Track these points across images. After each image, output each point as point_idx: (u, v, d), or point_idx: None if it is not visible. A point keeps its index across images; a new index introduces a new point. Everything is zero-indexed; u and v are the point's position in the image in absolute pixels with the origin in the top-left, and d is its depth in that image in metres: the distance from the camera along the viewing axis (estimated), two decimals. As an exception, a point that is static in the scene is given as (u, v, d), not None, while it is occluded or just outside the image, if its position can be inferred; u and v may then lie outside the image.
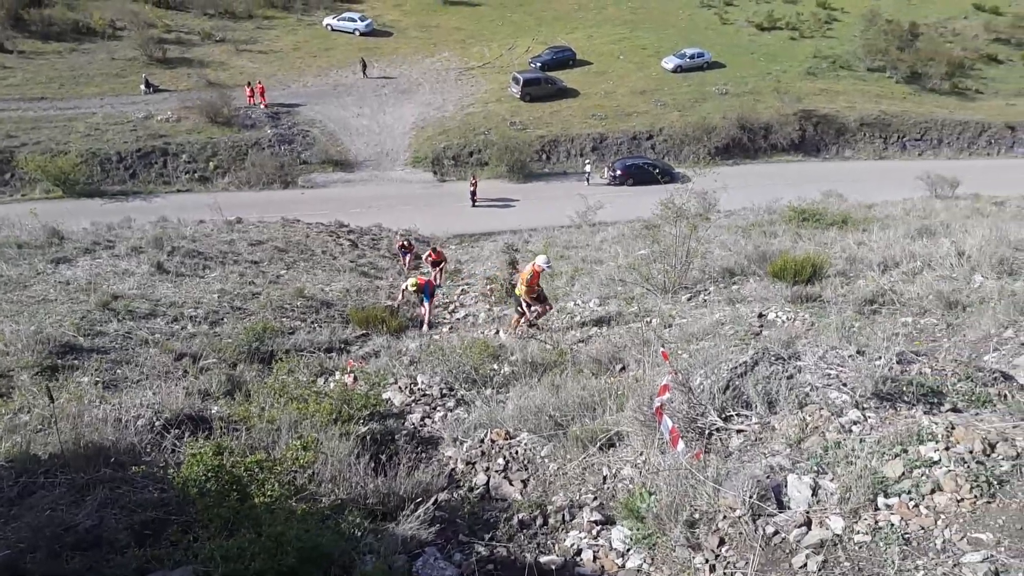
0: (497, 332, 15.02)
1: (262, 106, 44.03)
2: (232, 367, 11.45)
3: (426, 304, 16.26)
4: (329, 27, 55.99)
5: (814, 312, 10.66)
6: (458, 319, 18.01)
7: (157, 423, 7.18)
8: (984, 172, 40.61)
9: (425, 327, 15.47)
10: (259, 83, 44.73)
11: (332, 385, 9.43)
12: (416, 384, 9.48)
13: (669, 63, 52.25)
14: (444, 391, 9.35)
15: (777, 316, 11.01)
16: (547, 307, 13.68)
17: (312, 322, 14.91)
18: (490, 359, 10.91)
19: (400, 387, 9.45)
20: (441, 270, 22.08)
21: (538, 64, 51.71)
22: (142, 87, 44.28)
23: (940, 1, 67.04)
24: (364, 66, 49.87)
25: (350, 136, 43.68)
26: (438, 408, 8.79)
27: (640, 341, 10.92)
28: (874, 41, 55.16)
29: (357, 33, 55.30)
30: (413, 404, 8.88)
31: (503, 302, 18.85)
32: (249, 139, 41.45)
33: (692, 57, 52.42)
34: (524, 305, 13.24)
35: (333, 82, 48.96)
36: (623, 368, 9.81)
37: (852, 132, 48.29)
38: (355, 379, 9.53)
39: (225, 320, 14.38)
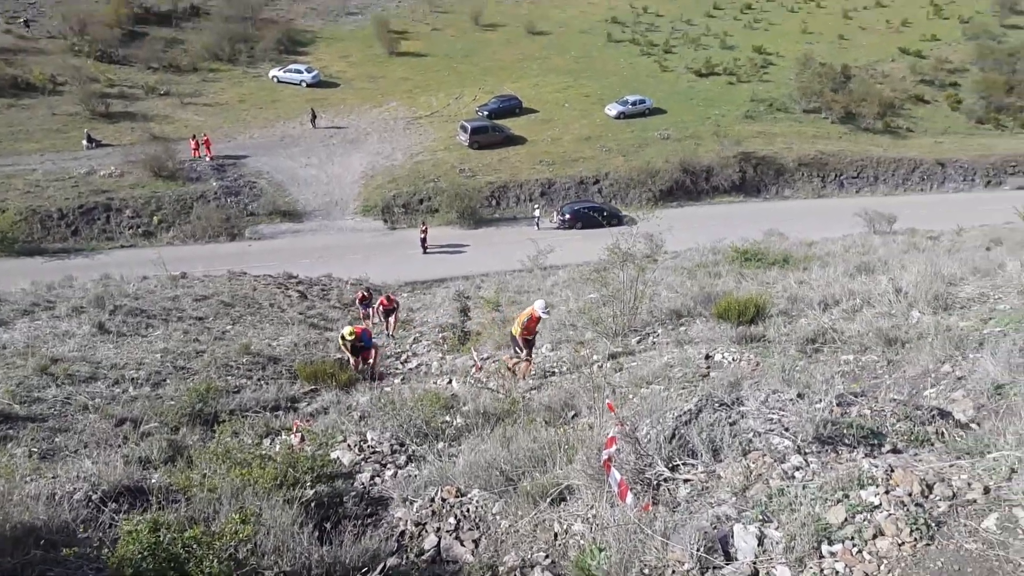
0: (450, 382, 14.91)
1: (207, 158, 43.65)
2: (174, 431, 11.14)
3: (372, 352, 16.01)
4: (275, 79, 56.05)
5: (759, 352, 10.84)
6: (410, 369, 17.84)
7: (94, 497, 6.89)
8: (919, 207, 42.29)
9: (375, 378, 15.20)
10: (204, 135, 44.40)
11: (278, 447, 9.19)
12: (366, 441, 9.30)
13: (612, 110, 53.48)
14: (395, 447, 9.19)
15: (723, 357, 11.16)
16: (530, 357, 13.29)
17: (258, 379, 14.63)
18: (442, 411, 10.80)
19: (349, 445, 9.26)
20: (395, 319, 21.87)
21: (485, 112, 52.46)
22: (84, 142, 43.59)
23: (868, 45, 70.32)
24: (313, 116, 49.95)
25: (298, 186, 43.49)
26: (388, 465, 8.62)
27: (591, 387, 10.97)
28: (808, 84, 57.31)
29: (304, 85, 55.46)
30: (363, 462, 8.70)
31: (456, 351, 18.79)
32: (194, 192, 40.98)
33: (634, 104, 53.75)
34: (522, 344, 12.93)
35: (280, 133, 48.87)
36: (575, 415, 9.80)
37: (791, 172, 49.85)
38: (302, 439, 9.31)
39: (168, 381, 14.05)
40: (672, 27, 71.28)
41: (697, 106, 55.94)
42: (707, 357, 11.34)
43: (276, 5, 68.06)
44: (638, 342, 14.04)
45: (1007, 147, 56.01)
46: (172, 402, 12.21)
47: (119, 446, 9.95)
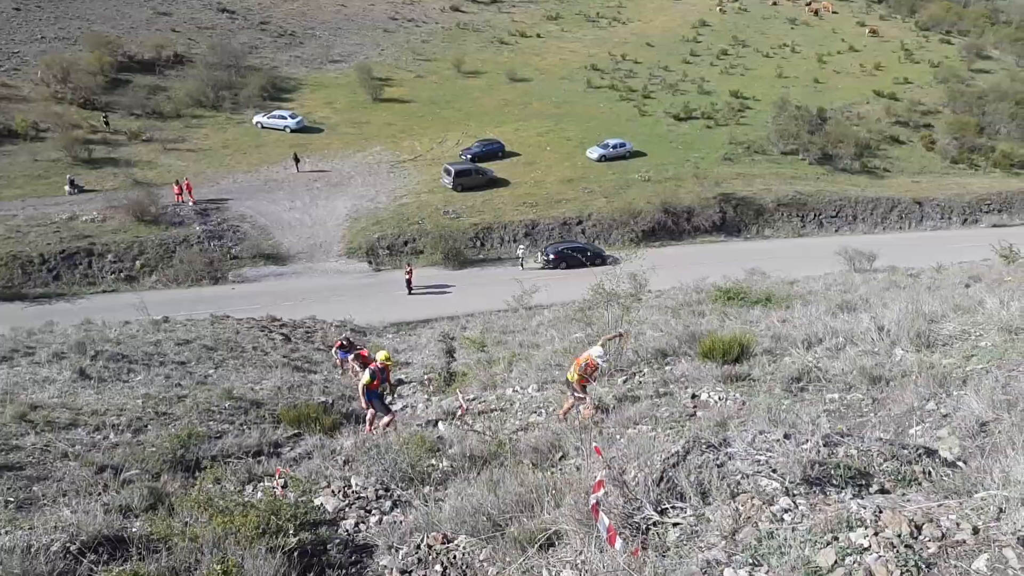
0: (436, 424, 14.77)
1: (190, 203, 43.61)
2: (155, 478, 10.92)
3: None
4: (259, 125, 56.37)
5: (744, 391, 10.85)
6: (396, 411, 17.68)
7: (72, 548, 6.71)
8: (898, 245, 42.90)
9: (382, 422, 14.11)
10: (186, 180, 44.42)
11: (260, 494, 9.04)
12: (350, 486, 9.17)
13: (594, 153, 54.18)
14: (380, 492, 9.07)
15: (709, 396, 11.17)
16: (589, 407, 12.21)
17: (241, 424, 14.41)
18: (428, 454, 10.69)
19: (333, 490, 9.12)
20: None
21: (469, 156, 52.98)
22: (67, 188, 43.45)
23: (843, 88, 72.03)
24: (297, 160, 50.16)
25: (282, 230, 43.48)
26: (373, 511, 8.49)
27: (579, 427, 10.91)
28: (785, 126, 58.44)
29: (288, 130, 55.77)
30: (347, 508, 8.56)
31: (442, 392, 18.66)
32: (177, 236, 40.87)
33: (615, 147, 54.49)
34: (578, 390, 12.15)
35: (264, 178, 49.00)
36: (563, 456, 9.72)
37: (770, 212, 50.53)
38: (285, 485, 9.17)
39: (149, 427, 13.82)
40: (650, 73, 72.74)
41: (676, 149, 56.79)
42: (693, 397, 11.34)
43: (260, 53, 68.79)
44: (624, 382, 14.01)
45: (981, 185, 57.27)
46: (153, 448, 11.99)
47: (99, 494, 9.73)
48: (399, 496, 8.88)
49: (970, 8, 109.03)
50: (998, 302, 12.60)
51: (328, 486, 9.30)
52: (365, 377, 13.93)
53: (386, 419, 13.86)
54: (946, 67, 79.03)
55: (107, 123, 48.27)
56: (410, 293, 37.76)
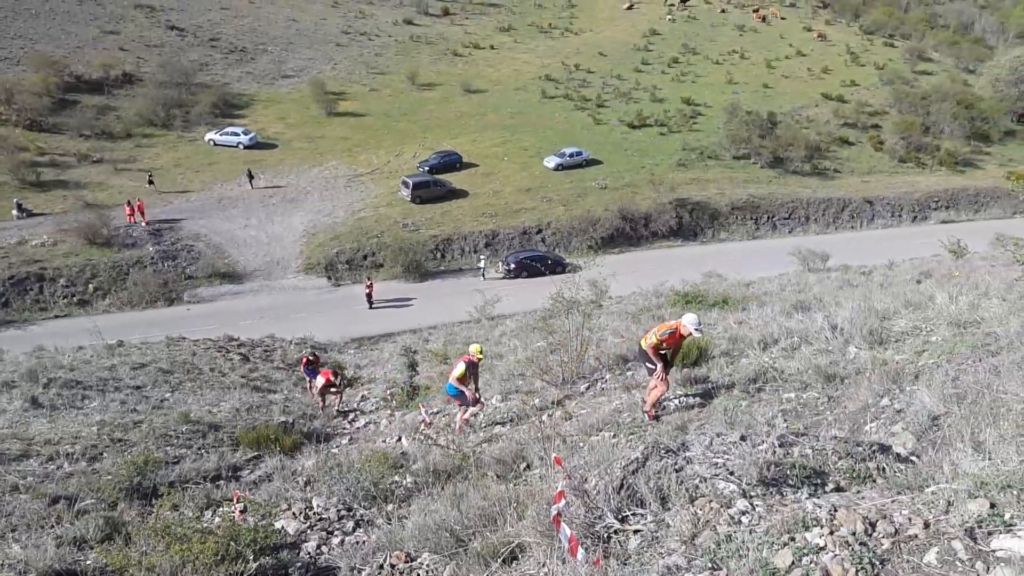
0: (399, 439, 14.64)
1: (143, 223, 42.77)
2: (112, 507, 10.66)
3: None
4: (212, 142, 55.60)
5: (703, 393, 10.94)
6: (358, 428, 17.49)
7: (20, 585, 6.49)
8: (850, 244, 43.89)
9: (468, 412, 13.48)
10: (138, 200, 43.56)
11: (218, 520, 8.84)
12: (311, 508, 9.03)
13: (551, 162, 54.49)
14: (342, 512, 8.94)
15: (670, 400, 11.24)
16: (665, 379, 9.98)
17: (199, 448, 14.11)
18: (391, 471, 10.58)
19: (294, 513, 8.98)
20: (339, 399, 19.73)
21: (426, 168, 52.86)
22: (14, 212, 42.29)
23: (792, 92, 73.58)
24: (251, 177, 49.52)
25: (237, 247, 42.86)
26: (335, 532, 8.37)
27: (542, 436, 10.89)
28: (737, 131, 59.43)
29: (241, 147, 55.10)
30: (308, 531, 8.42)
31: (405, 406, 18.51)
32: (130, 258, 40.05)
33: (571, 155, 54.89)
34: (654, 358, 9.87)
35: (218, 195, 48.29)
36: (527, 467, 9.69)
37: (725, 216, 51.35)
38: (244, 510, 8.98)
39: (105, 455, 13.46)
40: (603, 82, 73.48)
41: (632, 156, 57.39)
42: (654, 402, 11.39)
43: (211, 70, 67.91)
44: (587, 389, 14.05)
45: (929, 183, 58.95)
46: (109, 477, 11.70)
47: (52, 527, 9.44)
48: (362, 515, 8.77)
49: (910, 13, 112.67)
50: (947, 297, 12.91)
51: (289, 508, 9.16)
52: (459, 369, 12.90)
53: (474, 408, 13.39)
54: (890, 69, 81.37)
55: (151, 182, 47.10)
56: (371, 307, 37.49)
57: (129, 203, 43.30)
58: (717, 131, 61.32)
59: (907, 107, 70.31)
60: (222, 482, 11.93)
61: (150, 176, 47.24)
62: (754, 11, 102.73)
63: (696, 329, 9.69)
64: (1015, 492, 4.16)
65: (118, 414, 16.49)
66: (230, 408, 17.75)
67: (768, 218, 52.39)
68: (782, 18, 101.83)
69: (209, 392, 20.13)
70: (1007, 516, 3.97)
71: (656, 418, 10.08)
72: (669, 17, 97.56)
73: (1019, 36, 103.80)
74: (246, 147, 55.09)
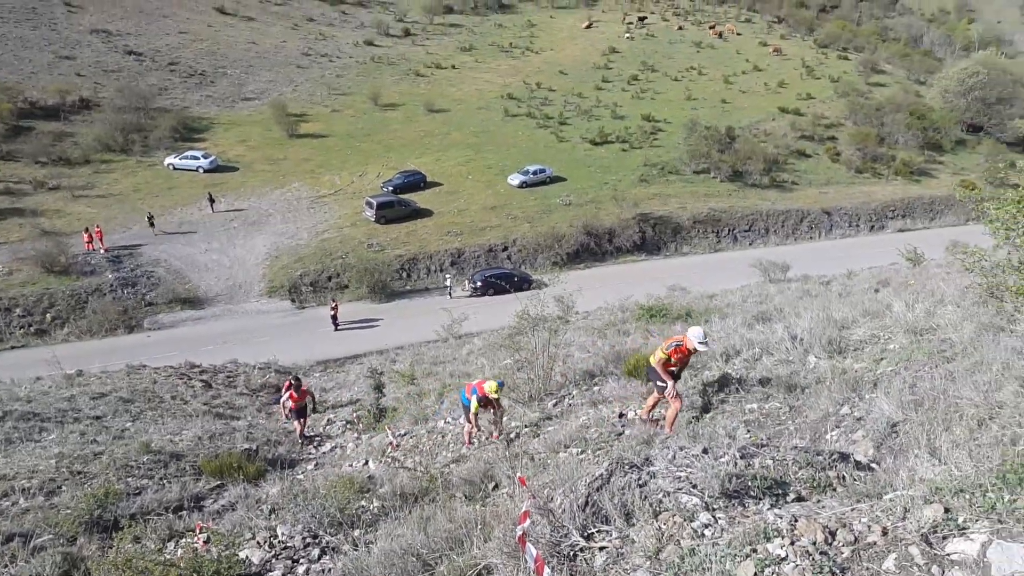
0: (366, 463, 14.47)
1: (102, 250, 41.98)
2: (71, 542, 10.39)
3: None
4: (171, 166, 54.84)
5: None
6: (324, 453, 17.26)
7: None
8: (809, 254, 44.65)
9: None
10: (97, 227, 42.76)
11: (180, 551, 8.64)
12: (276, 536, 8.86)
13: (515, 180, 54.72)
14: (308, 540, 8.79)
15: (636, 414, 11.29)
16: (678, 395, 9.84)
17: (161, 479, 13.79)
18: (357, 495, 10.45)
19: (259, 542, 8.80)
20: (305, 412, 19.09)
21: (390, 188, 52.74)
22: (-33, 241, 41.24)
23: (750, 106, 74.95)
24: (212, 200, 48.94)
25: (199, 272, 42.23)
26: (301, 560, 8.23)
27: (510, 455, 10.84)
28: (696, 146, 60.24)
29: (201, 170, 54.47)
30: (273, 560, 8.27)
31: (372, 429, 18.31)
32: (89, 286, 39.23)
33: (535, 173, 55.18)
34: (664, 376, 9.77)
35: (178, 220, 47.61)
36: (496, 486, 9.65)
37: (687, 230, 51.98)
38: (207, 540, 8.78)
39: (64, 488, 13.11)
40: (565, 100, 74.16)
41: (595, 173, 57.87)
42: (621, 415, 11.44)
43: (170, 94, 67.17)
44: (554, 405, 14.05)
45: (885, 193, 60.34)
46: (68, 511, 11.39)
47: (5, 566, 9.16)
48: (328, 542, 8.63)
49: (863, 26, 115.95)
50: (904, 305, 13.15)
51: (253, 537, 8.98)
52: (472, 407, 12.35)
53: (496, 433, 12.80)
54: (845, 82, 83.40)
55: (152, 223, 45.86)
56: (336, 329, 37.15)
57: (87, 230, 42.50)
58: (677, 147, 62.10)
59: (862, 118, 72.02)
60: (185, 512, 11.67)
61: (150, 217, 46.07)
62: (710, 27, 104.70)
63: (701, 343, 9.72)
64: (967, 496, 4.24)
65: (77, 446, 16.10)
66: (192, 436, 17.41)
67: (729, 231, 53.13)
68: (738, 34, 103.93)
69: (171, 421, 19.73)
70: (960, 520, 4.04)
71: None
72: (627, 35, 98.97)
73: (964, 49, 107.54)
74: (206, 170, 54.46)
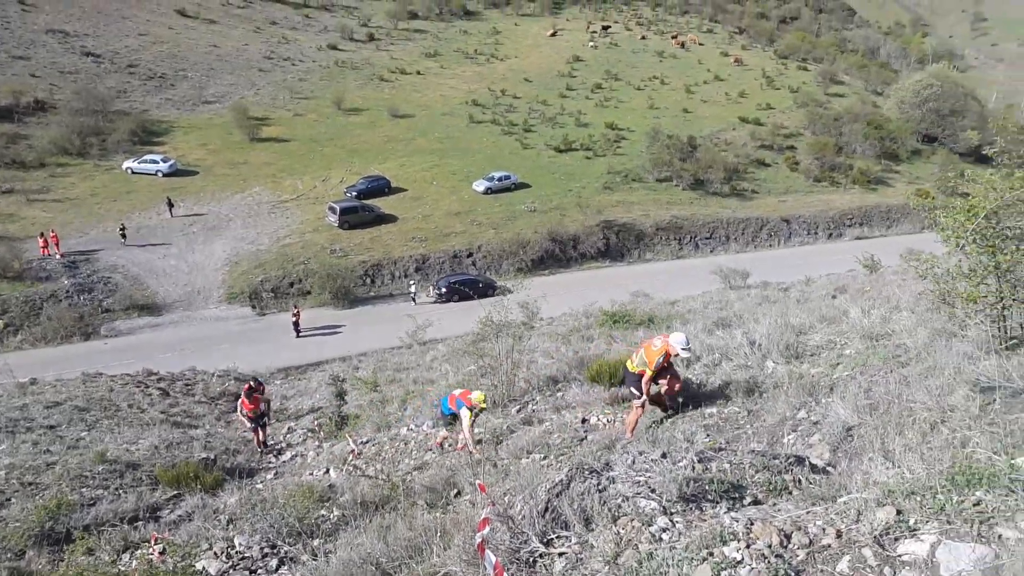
0: (327, 472, 14.31)
1: (57, 256, 40.98)
2: (19, 556, 10.09)
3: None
4: (129, 171, 53.77)
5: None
6: (284, 462, 17.03)
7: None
8: (769, 261, 45.34)
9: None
10: (52, 232, 41.74)
11: (135, 563, 8.46)
12: (233, 547, 8.71)
13: (480, 186, 54.73)
14: (266, 550, 8.66)
15: (599, 419, 11.34)
16: (676, 384, 9.93)
17: (116, 489, 13.49)
18: (317, 504, 10.32)
19: (216, 552, 8.65)
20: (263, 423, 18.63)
21: (354, 193, 52.36)
22: (-86, 246, 39.89)
23: (711, 116, 76.00)
24: (171, 205, 48.09)
25: (156, 278, 41.43)
26: (259, 571, 8.10)
27: (473, 462, 10.80)
28: (659, 155, 60.89)
29: (160, 174, 53.48)
30: (230, 571, 8.13)
31: (333, 437, 18.11)
32: (44, 292, 38.25)
33: (500, 179, 55.25)
34: (644, 386, 9.58)
35: (136, 225, 46.64)
36: (458, 493, 9.60)
37: (650, 237, 52.48)
38: (163, 551, 8.61)
39: (13, 500, 12.77)
40: (529, 108, 74.38)
41: (559, 180, 58.15)
42: (584, 421, 11.48)
43: (129, 96, 65.88)
44: (518, 411, 14.06)
45: (843, 202, 61.60)
46: (17, 524, 11.08)
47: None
48: (286, 553, 8.51)
49: (822, 38, 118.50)
50: (860, 311, 13.40)
51: (210, 548, 8.83)
52: (466, 420, 11.94)
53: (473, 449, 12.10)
54: (804, 92, 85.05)
55: (124, 235, 44.40)
56: (298, 336, 36.71)
57: (42, 234, 41.47)
58: (640, 155, 62.68)
59: (821, 128, 73.47)
60: (140, 523, 11.44)
61: (123, 228, 44.89)
62: (673, 37, 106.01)
63: (684, 349, 9.50)
64: (918, 498, 4.32)
65: (29, 456, 15.70)
66: (149, 445, 17.06)
67: (691, 238, 53.77)
68: (700, 44, 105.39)
69: (127, 430, 19.32)
70: (911, 521, 4.11)
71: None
72: (591, 44, 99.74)
73: (919, 61, 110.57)
74: (165, 175, 53.50)
